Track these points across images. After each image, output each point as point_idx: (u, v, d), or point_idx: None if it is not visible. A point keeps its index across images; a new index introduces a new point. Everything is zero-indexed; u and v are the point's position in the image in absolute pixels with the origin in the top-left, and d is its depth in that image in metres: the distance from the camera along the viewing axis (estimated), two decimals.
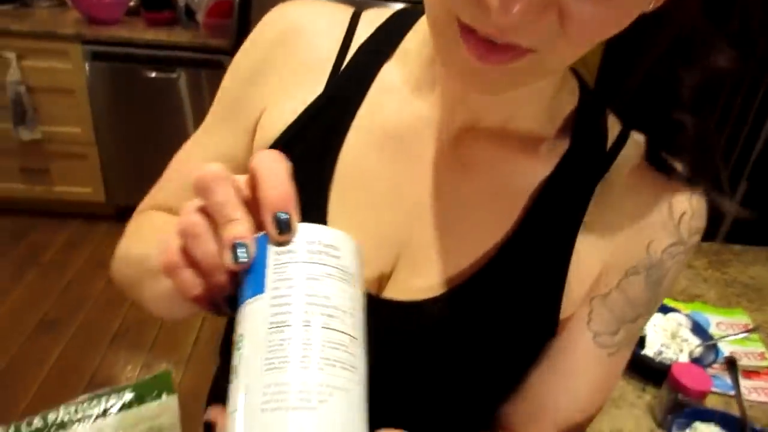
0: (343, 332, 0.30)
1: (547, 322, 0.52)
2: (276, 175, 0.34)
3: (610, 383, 0.55)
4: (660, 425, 0.92)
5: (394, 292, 0.52)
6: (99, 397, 0.47)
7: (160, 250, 0.36)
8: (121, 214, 2.61)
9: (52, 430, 0.44)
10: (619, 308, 0.51)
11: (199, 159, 0.59)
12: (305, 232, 0.33)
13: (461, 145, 0.51)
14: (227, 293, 0.35)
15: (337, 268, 0.33)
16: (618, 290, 0.51)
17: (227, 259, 0.33)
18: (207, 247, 0.34)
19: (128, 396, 0.47)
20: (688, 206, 0.50)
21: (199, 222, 0.34)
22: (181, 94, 2.45)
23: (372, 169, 0.52)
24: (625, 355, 0.54)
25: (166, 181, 0.62)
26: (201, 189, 0.34)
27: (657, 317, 1.08)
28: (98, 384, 1.87)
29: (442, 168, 0.52)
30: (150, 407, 0.48)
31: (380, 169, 0.52)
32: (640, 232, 0.50)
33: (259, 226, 0.34)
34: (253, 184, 0.34)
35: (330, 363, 0.28)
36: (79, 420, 0.46)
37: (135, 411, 0.48)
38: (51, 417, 0.45)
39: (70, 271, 2.47)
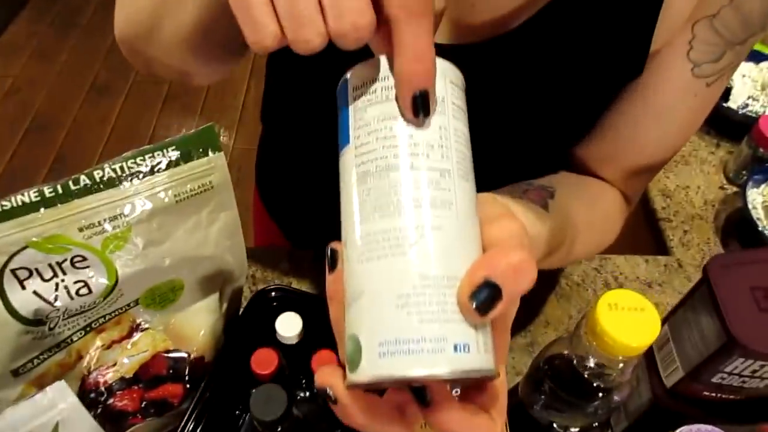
0: (432, 169, 0.26)
1: (635, 57, 0.47)
2: (421, 43, 0.25)
3: (703, 116, 0.52)
4: (731, 181, 0.87)
5: (456, 32, 0.46)
6: (143, 153, 0.44)
7: None
8: None
9: (101, 186, 0.43)
10: (730, 29, 0.45)
11: None
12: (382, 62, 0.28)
13: None
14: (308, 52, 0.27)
15: None
16: (731, 7, 0.44)
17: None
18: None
19: (174, 154, 0.44)
20: None
21: None
22: None
23: None
24: (724, 84, 0.50)
25: None
26: None
27: (747, 66, 0.96)
28: None
29: None
30: (198, 164, 0.45)
31: None
32: None
33: None
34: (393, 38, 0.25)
35: (416, 204, 0.26)
36: (127, 177, 0.44)
37: (183, 168, 0.45)
38: (97, 174, 0.42)
39: (110, 32, 2.40)
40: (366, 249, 0.26)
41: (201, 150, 0.45)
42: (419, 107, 0.25)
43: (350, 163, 0.27)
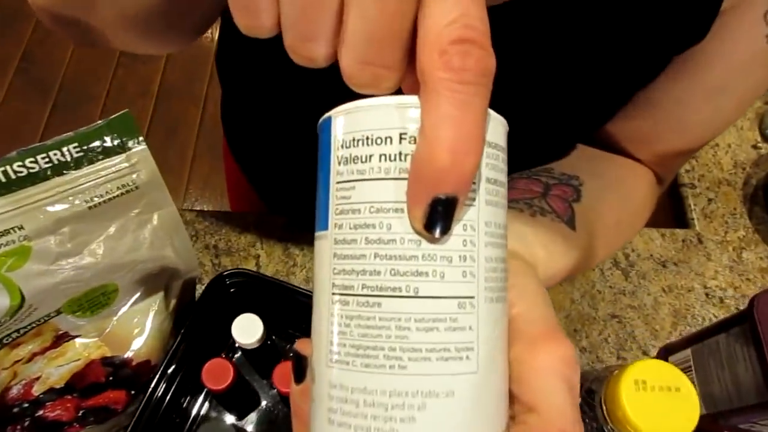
0: (446, 297, 0.18)
1: (701, 17, 0.37)
2: (466, 124, 0.16)
3: (763, 90, 0.43)
4: (767, 139, 0.76)
5: None
6: (35, 153, 0.33)
7: None
8: None
9: None
10: None
11: None
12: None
13: None
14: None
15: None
16: None
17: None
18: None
19: (75, 152, 0.33)
20: None
21: None
22: None
23: None
24: None
25: None
26: None
27: None
28: None
29: None
30: (112, 163, 0.35)
31: None
32: None
33: None
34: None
35: (420, 356, 0.17)
36: (16, 183, 0.33)
37: (93, 169, 0.34)
38: None
39: None
40: (341, 408, 0.18)
41: (117, 144, 0.34)
42: (437, 220, 0.17)
43: (326, 265, 0.19)
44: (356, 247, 0.18)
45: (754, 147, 0.76)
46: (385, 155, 0.17)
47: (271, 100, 0.54)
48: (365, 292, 0.17)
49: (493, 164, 0.19)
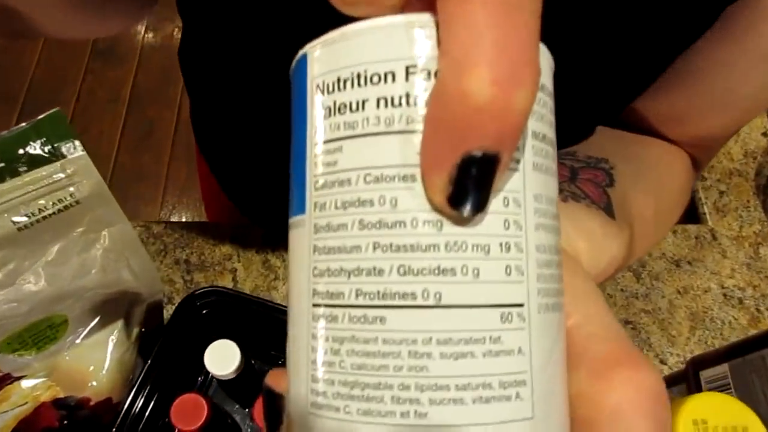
0: (481, 306, 0.12)
1: None
2: (513, 36, 0.10)
3: None
4: None
5: None
6: None
7: None
8: None
9: None
10: None
11: None
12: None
13: None
14: None
15: None
16: None
17: None
18: None
19: None
20: None
21: None
22: None
23: None
24: None
25: None
26: None
27: None
28: None
29: None
30: (42, 174, 0.28)
31: None
32: None
33: None
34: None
35: (449, 399, 0.11)
36: None
37: (18, 183, 0.28)
38: None
39: None
40: None
41: (47, 150, 0.28)
42: (469, 190, 0.11)
43: (304, 264, 0.13)
44: (346, 234, 0.12)
45: (764, 134, 0.72)
46: (385, 99, 0.12)
47: (239, 100, 0.48)
48: (361, 301, 0.12)
49: (541, 114, 0.13)
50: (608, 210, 0.30)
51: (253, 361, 0.48)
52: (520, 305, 0.12)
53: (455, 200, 0.11)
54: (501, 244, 0.12)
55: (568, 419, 0.13)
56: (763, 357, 0.36)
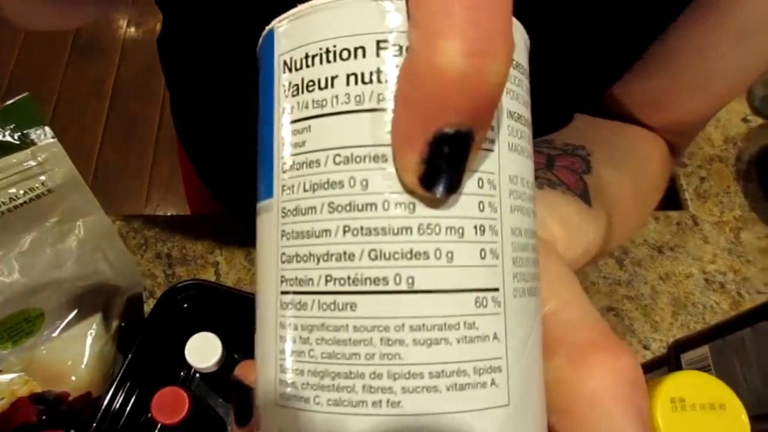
0: (456, 290, 0.11)
1: None
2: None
3: None
4: (757, 111, 0.72)
5: None
6: None
7: None
8: None
9: None
10: None
11: None
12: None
13: None
14: None
15: None
16: None
17: None
18: None
19: None
20: None
21: None
22: None
23: None
24: None
25: None
26: None
27: None
28: None
29: None
30: (12, 160, 0.28)
31: None
32: None
33: None
34: None
35: (422, 386, 0.11)
36: None
37: None
38: None
39: None
40: None
41: (17, 137, 0.28)
42: (441, 169, 0.11)
43: (271, 250, 0.12)
44: (315, 218, 0.11)
45: (744, 120, 0.72)
46: (355, 75, 0.11)
47: (220, 89, 0.48)
48: (331, 287, 0.11)
49: (516, 93, 0.12)
50: (584, 196, 0.29)
51: (236, 355, 0.47)
52: (495, 290, 0.11)
53: (427, 180, 0.11)
54: (475, 227, 0.11)
55: (544, 406, 0.13)
56: (743, 338, 0.36)
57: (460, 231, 0.11)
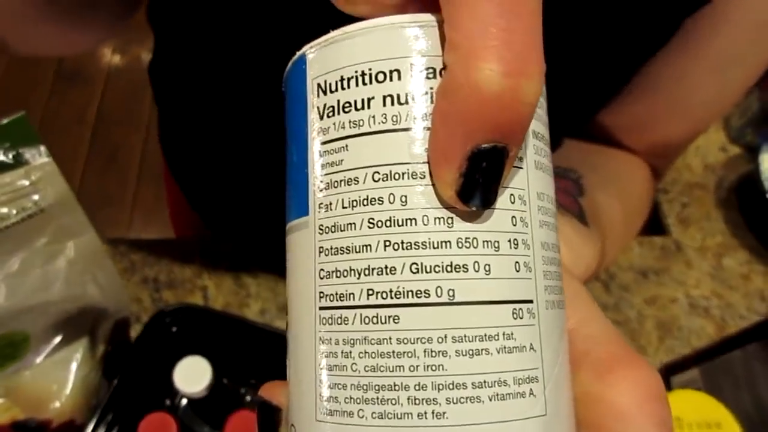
0: (491, 302, 0.12)
1: None
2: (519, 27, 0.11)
3: None
4: (734, 141, 0.74)
5: None
6: None
7: None
8: None
9: None
10: None
11: None
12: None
13: None
14: None
15: None
16: None
17: None
18: None
19: None
20: None
21: None
22: None
23: None
24: None
25: None
26: None
27: None
28: None
29: None
30: (6, 179, 0.28)
31: None
32: None
33: None
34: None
35: (464, 397, 0.11)
36: None
37: None
38: None
39: None
40: None
41: (11, 156, 0.27)
42: (478, 184, 0.11)
43: (308, 267, 0.13)
44: (355, 234, 0.12)
45: (722, 150, 0.74)
46: (391, 97, 0.12)
47: (210, 113, 0.48)
48: (373, 301, 0.12)
49: (539, 114, 0.13)
50: (581, 218, 0.30)
51: (225, 380, 0.47)
52: (530, 302, 0.12)
53: (465, 194, 0.11)
54: (509, 241, 0.12)
55: (574, 418, 0.13)
56: (733, 360, 0.37)
57: (496, 245, 0.12)
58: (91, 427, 0.40)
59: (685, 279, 0.63)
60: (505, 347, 0.11)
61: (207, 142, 0.53)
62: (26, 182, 0.28)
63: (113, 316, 0.41)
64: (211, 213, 0.61)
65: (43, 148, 0.28)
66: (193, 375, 0.40)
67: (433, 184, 0.11)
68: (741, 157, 0.73)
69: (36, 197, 0.29)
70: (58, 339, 0.38)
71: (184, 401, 0.47)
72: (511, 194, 0.12)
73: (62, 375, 0.39)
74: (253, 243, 0.56)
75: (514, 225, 0.12)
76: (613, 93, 0.40)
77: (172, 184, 0.64)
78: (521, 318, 0.12)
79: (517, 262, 0.12)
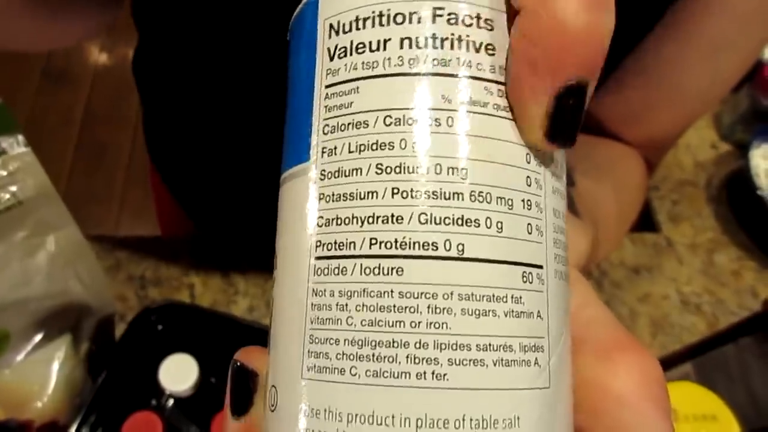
0: (497, 261, 0.11)
1: None
2: None
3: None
4: (725, 138, 0.75)
5: None
6: None
7: None
8: None
9: None
10: None
11: None
12: None
13: None
14: None
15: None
16: None
17: None
18: None
19: None
20: None
21: None
22: None
23: None
24: None
25: None
26: None
27: None
28: None
29: None
30: None
31: None
32: None
33: None
34: None
35: (474, 359, 0.11)
36: None
37: None
38: None
39: None
40: None
41: None
42: (567, 122, 0.11)
43: (305, 214, 0.12)
44: (361, 179, 0.11)
45: (713, 147, 0.74)
46: (410, 40, 0.11)
47: (195, 108, 0.47)
48: (376, 251, 0.11)
49: None
50: (572, 208, 0.30)
51: (212, 379, 0.46)
52: (540, 267, 0.11)
53: (553, 134, 0.11)
54: (523, 201, 0.11)
55: (572, 399, 0.12)
56: (726, 353, 0.36)
57: (510, 203, 0.11)
58: (74, 427, 0.39)
59: (677, 276, 0.63)
60: (513, 311, 0.11)
61: (192, 137, 0.52)
62: (3, 173, 0.27)
63: (97, 313, 0.40)
64: (197, 210, 0.60)
65: (21, 137, 0.27)
66: (179, 373, 0.40)
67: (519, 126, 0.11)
68: (731, 154, 0.73)
69: (14, 188, 0.28)
70: (39, 336, 0.37)
71: (171, 400, 0.46)
72: (527, 153, 0.11)
73: (44, 374, 0.38)
74: (240, 240, 0.55)
75: (529, 185, 0.11)
76: (602, 78, 0.40)
77: (158, 184, 0.63)
78: (531, 282, 0.11)
79: (529, 224, 0.11)
